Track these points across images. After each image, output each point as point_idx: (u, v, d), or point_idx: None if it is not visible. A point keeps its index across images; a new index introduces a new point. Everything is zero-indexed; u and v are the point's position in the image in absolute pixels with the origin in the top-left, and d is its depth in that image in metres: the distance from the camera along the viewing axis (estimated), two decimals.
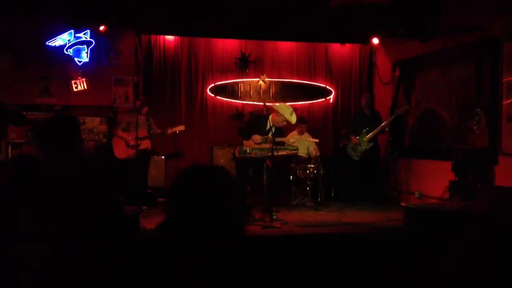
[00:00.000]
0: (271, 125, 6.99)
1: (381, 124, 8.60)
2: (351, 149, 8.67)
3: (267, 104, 7.35)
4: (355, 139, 8.59)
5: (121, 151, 7.92)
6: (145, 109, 7.99)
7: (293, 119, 7.00)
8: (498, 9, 7.02)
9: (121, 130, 7.96)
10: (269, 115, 7.13)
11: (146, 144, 7.95)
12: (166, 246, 1.56)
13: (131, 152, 7.79)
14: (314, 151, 8.56)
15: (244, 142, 7.03)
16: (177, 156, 9.30)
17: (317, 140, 8.48)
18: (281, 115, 6.92)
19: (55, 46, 8.65)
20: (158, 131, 8.10)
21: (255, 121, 7.45)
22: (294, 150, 7.26)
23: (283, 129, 7.37)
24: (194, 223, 1.54)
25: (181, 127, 8.13)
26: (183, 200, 1.57)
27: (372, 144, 8.57)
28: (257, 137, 6.98)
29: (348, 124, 9.16)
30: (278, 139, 6.98)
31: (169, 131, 8.02)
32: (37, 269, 2.04)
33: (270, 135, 6.93)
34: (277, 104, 7.45)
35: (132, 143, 7.75)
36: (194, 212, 1.54)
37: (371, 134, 8.53)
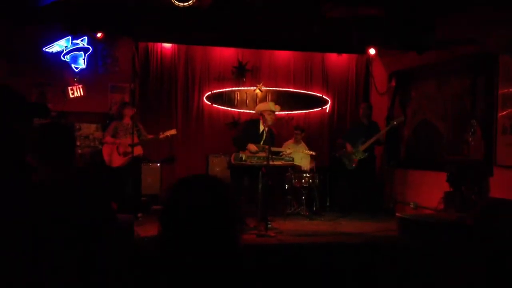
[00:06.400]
0: (264, 127, 7.16)
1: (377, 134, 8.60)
2: (346, 158, 8.65)
3: (252, 111, 7.64)
4: (350, 147, 8.59)
5: (112, 159, 7.78)
6: (127, 113, 7.87)
7: (277, 108, 7.34)
8: (493, 22, 7.06)
9: (110, 137, 7.83)
10: (259, 119, 7.27)
11: (138, 151, 7.76)
12: (161, 259, 1.55)
13: (124, 159, 7.71)
14: (307, 164, 8.56)
15: (240, 151, 7.10)
16: (170, 161, 9.26)
17: (313, 153, 8.45)
18: (266, 111, 7.16)
19: (52, 52, 8.63)
20: (150, 136, 7.93)
21: (248, 127, 7.50)
22: (290, 160, 7.33)
23: (275, 135, 7.48)
24: (190, 234, 1.53)
25: (173, 131, 7.93)
26: (178, 212, 1.56)
27: (367, 154, 8.55)
28: (253, 147, 7.02)
29: (345, 133, 9.18)
30: (274, 149, 7.01)
31: (161, 135, 7.84)
32: (32, 276, 2.04)
33: (264, 142, 7.01)
34: (259, 105, 7.82)
35: (122, 150, 7.69)
36: (190, 223, 1.53)
37: (366, 144, 8.53)
